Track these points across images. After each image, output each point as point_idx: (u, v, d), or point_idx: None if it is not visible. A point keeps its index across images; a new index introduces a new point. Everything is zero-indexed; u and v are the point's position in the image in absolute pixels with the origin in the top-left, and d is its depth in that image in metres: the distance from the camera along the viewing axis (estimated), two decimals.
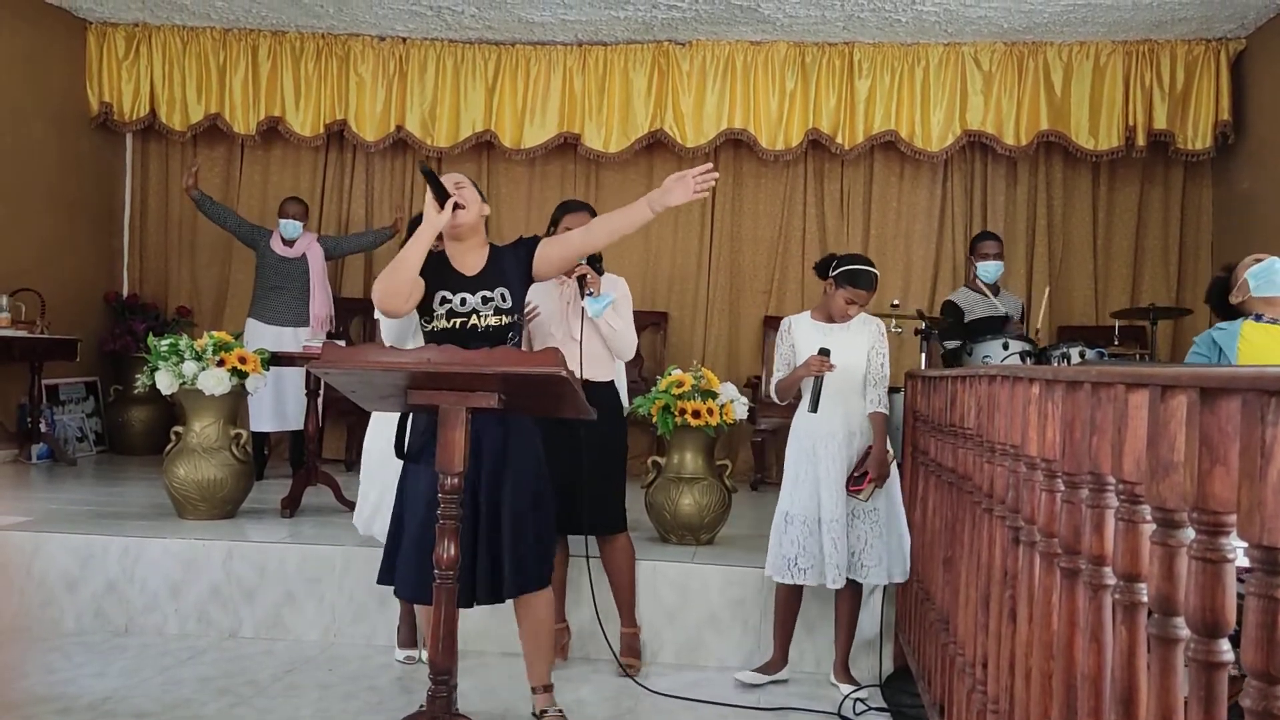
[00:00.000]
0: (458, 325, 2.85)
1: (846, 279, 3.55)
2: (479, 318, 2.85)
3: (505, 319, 2.87)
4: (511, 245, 2.99)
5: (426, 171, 2.79)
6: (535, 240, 2.99)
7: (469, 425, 2.41)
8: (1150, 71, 6.43)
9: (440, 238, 2.93)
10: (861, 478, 3.48)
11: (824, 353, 3.41)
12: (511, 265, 2.92)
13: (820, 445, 3.53)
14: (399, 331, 3.57)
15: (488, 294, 2.87)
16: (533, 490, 2.87)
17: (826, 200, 7.00)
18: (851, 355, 3.55)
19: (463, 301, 2.86)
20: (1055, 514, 1.65)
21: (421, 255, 2.79)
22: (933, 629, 3.02)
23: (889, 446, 3.55)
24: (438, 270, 2.88)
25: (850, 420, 3.55)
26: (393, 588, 2.93)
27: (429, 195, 2.80)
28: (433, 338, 2.89)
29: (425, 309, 2.88)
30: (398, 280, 2.76)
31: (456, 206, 2.81)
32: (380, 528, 3.65)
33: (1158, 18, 6.08)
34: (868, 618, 3.82)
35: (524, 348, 3.67)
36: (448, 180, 2.88)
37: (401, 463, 3.58)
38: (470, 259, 2.92)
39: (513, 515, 2.81)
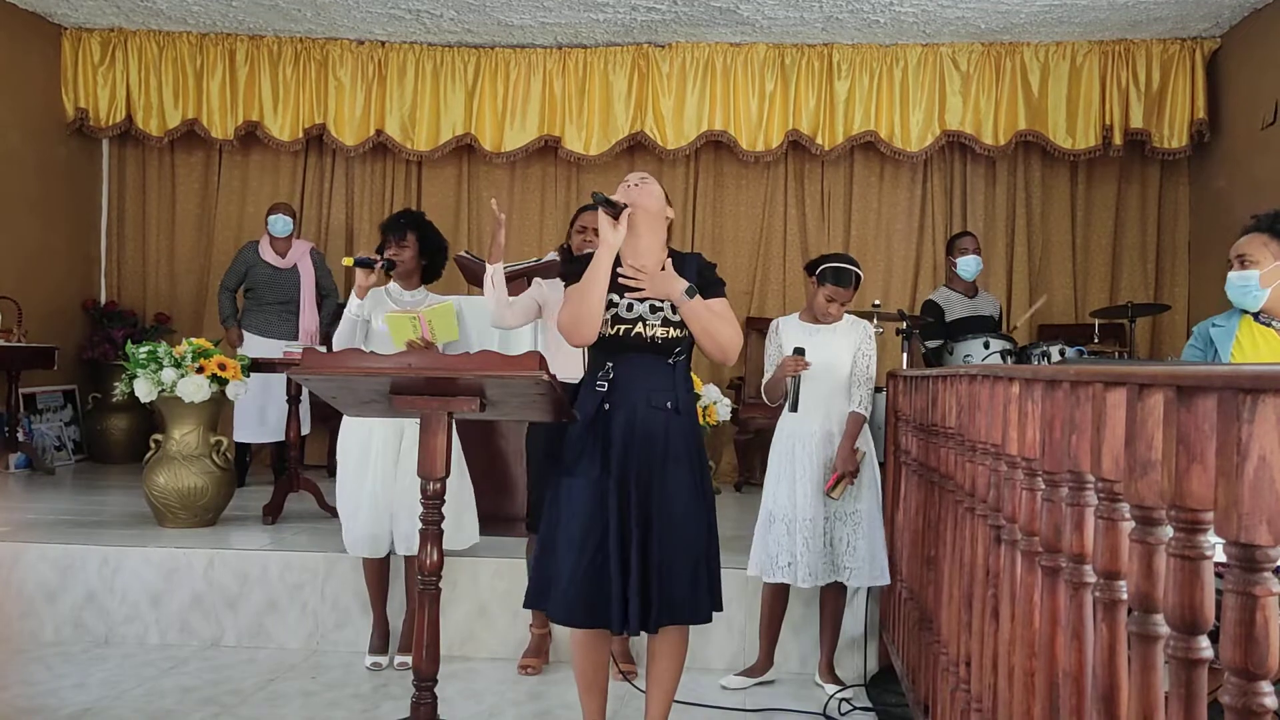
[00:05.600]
0: (621, 332, 2.62)
1: (828, 277, 3.56)
2: (645, 326, 2.61)
3: (674, 332, 2.62)
4: (695, 259, 2.75)
5: (600, 199, 2.60)
6: (712, 271, 2.73)
7: (451, 430, 2.40)
8: (1126, 71, 6.48)
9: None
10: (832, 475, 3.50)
11: (799, 352, 3.43)
12: (688, 278, 2.65)
13: (799, 445, 3.54)
14: (347, 334, 3.59)
15: (657, 302, 2.63)
16: (692, 503, 2.63)
17: (807, 201, 7.02)
18: (835, 356, 3.56)
19: (629, 308, 2.63)
20: (1036, 512, 1.66)
21: (605, 281, 2.59)
22: (916, 628, 3.03)
23: (862, 446, 3.56)
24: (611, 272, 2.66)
25: (830, 421, 3.55)
26: (545, 611, 2.70)
27: (601, 215, 2.61)
28: (598, 343, 2.67)
29: None
30: (584, 311, 2.58)
31: (627, 210, 2.61)
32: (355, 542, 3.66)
33: (1133, 17, 6.13)
34: (852, 618, 3.83)
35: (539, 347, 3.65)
36: (631, 176, 2.71)
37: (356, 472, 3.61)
38: (645, 261, 2.67)
39: (667, 533, 2.57)
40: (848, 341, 3.59)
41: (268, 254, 6.07)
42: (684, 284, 2.61)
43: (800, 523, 3.48)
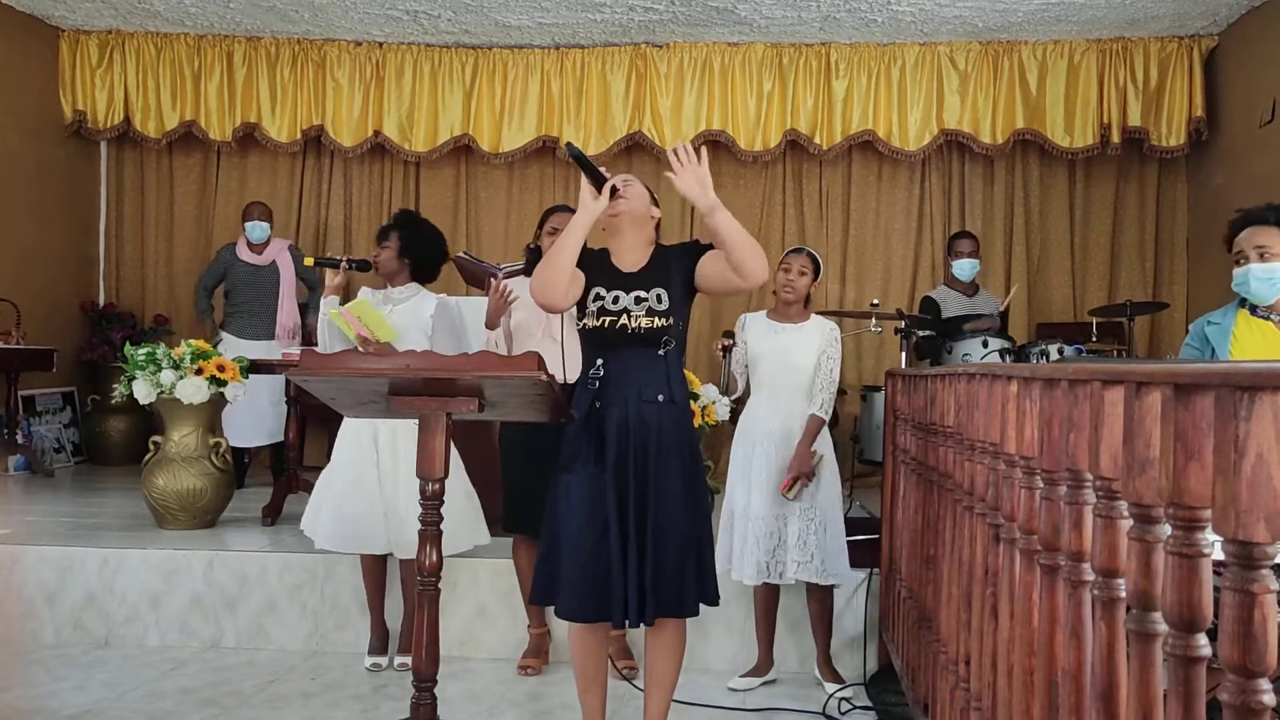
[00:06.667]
0: (607, 324, 2.64)
1: (781, 259, 3.67)
2: (630, 318, 2.63)
3: (659, 321, 2.64)
4: (679, 245, 2.79)
5: (576, 153, 2.59)
6: (701, 246, 2.75)
7: (449, 431, 2.40)
8: (1124, 69, 6.48)
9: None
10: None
11: (727, 335, 3.53)
12: (676, 267, 2.70)
13: (758, 444, 3.55)
14: (323, 333, 3.72)
15: (642, 294, 2.65)
16: (684, 496, 2.64)
17: (805, 200, 7.02)
18: (800, 356, 3.56)
19: (615, 300, 2.66)
20: (1035, 511, 1.65)
21: (578, 243, 2.59)
22: (915, 627, 3.03)
23: (821, 449, 3.54)
24: (597, 266, 2.70)
25: (789, 421, 3.54)
26: (552, 607, 2.71)
27: (584, 180, 2.62)
28: (585, 335, 2.72)
29: (580, 305, 2.70)
30: (553, 270, 2.58)
31: (614, 191, 2.63)
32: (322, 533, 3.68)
33: (1131, 15, 6.13)
34: (851, 616, 3.83)
35: (506, 349, 3.67)
36: (615, 179, 2.71)
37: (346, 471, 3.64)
38: (631, 257, 2.72)
39: (659, 527, 2.60)
40: (814, 342, 3.58)
41: (245, 254, 6.09)
42: (714, 199, 2.58)
43: (751, 521, 3.50)
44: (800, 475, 3.47)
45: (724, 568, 3.57)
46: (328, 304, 3.69)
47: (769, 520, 3.49)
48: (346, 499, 3.60)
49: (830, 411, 3.58)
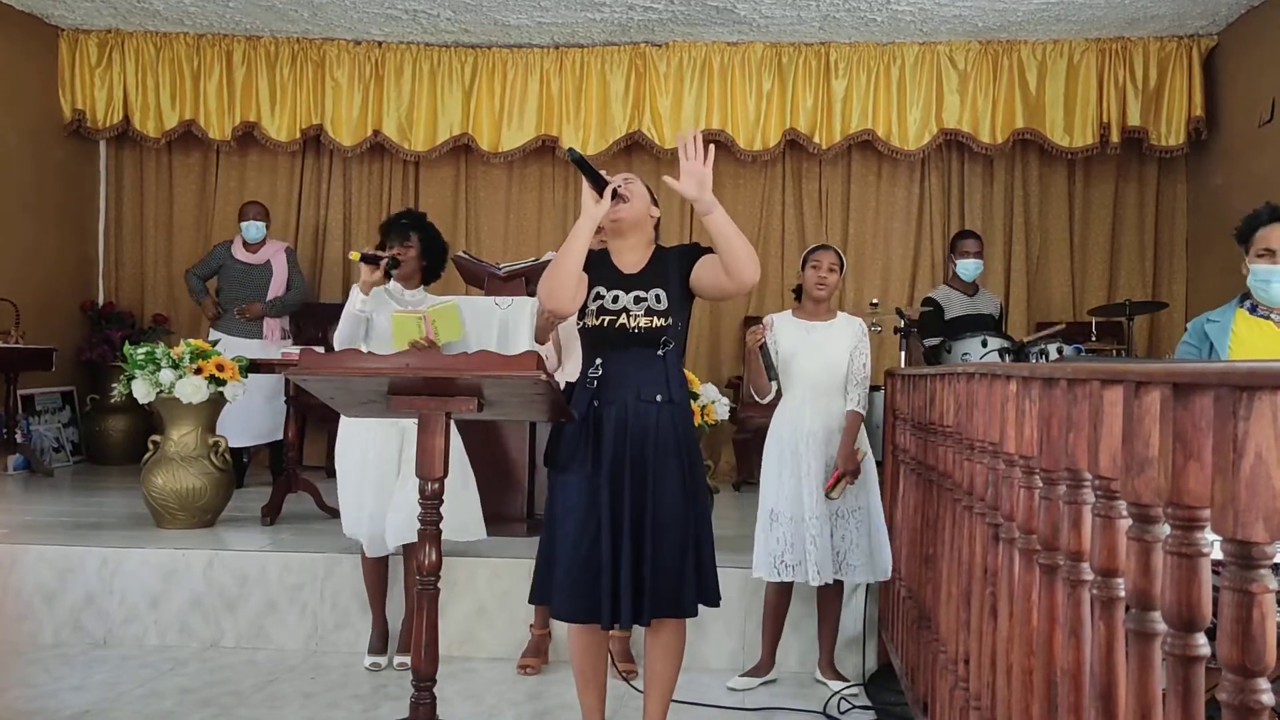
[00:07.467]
0: (606, 324, 2.65)
1: (806, 256, 3.68)
2: (629, 317, 2.64)
3: (658, 321, 2.64)
4: (679, 247, 2.80)
5: (576, 158, 2.59)
6: (700, 248, 2.75)
7: (449, 431, 2.40)
8: (1124, 69, 6.48)
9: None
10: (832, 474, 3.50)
11: (752, 321, 3.47)
12: (674, 268, 2.70)
13: (802, 443, 3.54)
14: (349, 332, 3.58)
15: (641, 294, 2.66)
16: (682, 495, 2.64)
17: (805, 200, 7.03)
18: (832, 353, 3.58)
19: (615, 299, 2.66)
20: (1034, 510, 1.66)
21: (583, 249, 2.60)
22: (915, 627, 3.03)
23: (861, 445, 3.57)
24: (598, 267, 2.71)
25: (830, 419, 3.56)
26: (548, 608, 2.71)
27: (585, 185, 2.62)
28: (584, 335, 2.74)
29: (581, 306, 2.70)
30: (559, 276, 2.59)
31: (615, 195, 2.63)
32: (358, 530, 3.66)
33: (1130, 15, 6.13)
34: (851, 616, 3.83)
35: (557, 359, 3.63)
36: (615, 178, 2.69)
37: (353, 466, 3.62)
38: (631, 257, 2.73)
39: (656, 527, 2.60)
40: (845, 339, 3.61)
41: (240, 252, 6.10)
42: (712, 198, 2.58)
43: (809, 520, 3.49)
44: (847, 473, 3.49)
45: (759, 573, 3.56)
46: (363, 301, 3.54)
47: (823, 519, 3.50)
48: (367, 499, 3.60)
49: (866, 406, 3.59)
